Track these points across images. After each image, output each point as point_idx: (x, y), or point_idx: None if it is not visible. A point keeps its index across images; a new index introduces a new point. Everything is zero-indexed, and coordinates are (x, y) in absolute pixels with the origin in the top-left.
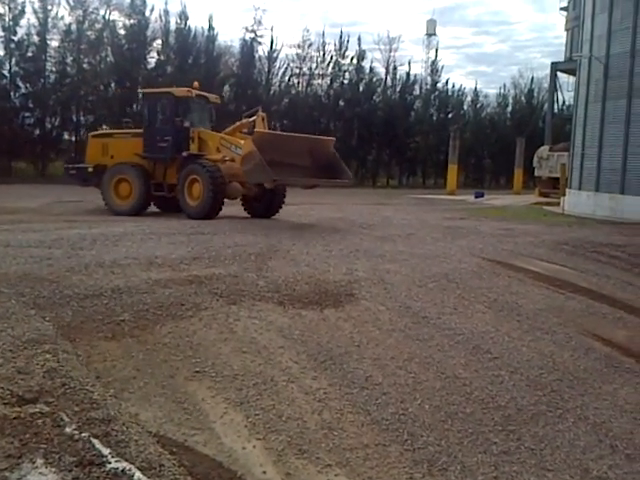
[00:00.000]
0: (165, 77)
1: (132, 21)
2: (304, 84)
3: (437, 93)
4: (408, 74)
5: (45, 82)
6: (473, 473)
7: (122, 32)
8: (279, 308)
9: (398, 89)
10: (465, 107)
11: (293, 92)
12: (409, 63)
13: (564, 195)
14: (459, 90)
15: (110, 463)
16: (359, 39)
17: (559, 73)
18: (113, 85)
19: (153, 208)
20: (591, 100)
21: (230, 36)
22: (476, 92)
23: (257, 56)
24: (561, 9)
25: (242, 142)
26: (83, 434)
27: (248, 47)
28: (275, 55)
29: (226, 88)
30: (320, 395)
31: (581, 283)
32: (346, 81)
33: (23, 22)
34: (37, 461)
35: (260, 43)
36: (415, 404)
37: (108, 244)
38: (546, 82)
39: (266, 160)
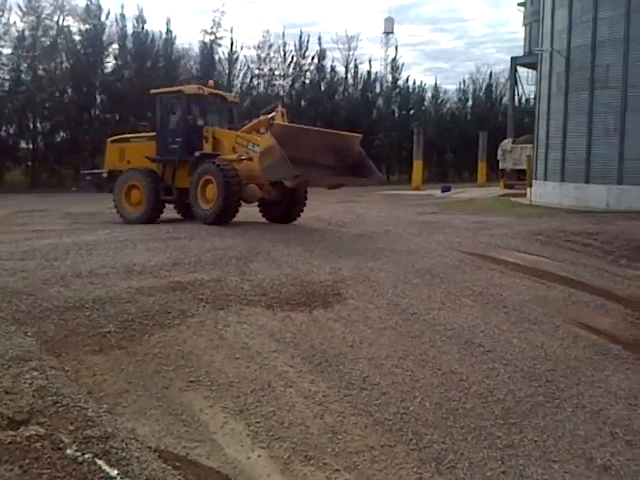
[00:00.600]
0: (123, 81)
1: (87, 26)
2: (265, 85)
3: (398, 90)
4: (369, 72)
5: None
6: (481, 469)
7: (77, 38)
8: (268, 311)
9: (360, 87)
10: (426, 103)
11: (255, 93)
12: (369, 61)
13: (531, 186)
14: (419, 87)
15: None
16: (319, 38)
17: (519, 67)
18: (70, 91)
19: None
20: (554, 93)
21: (188, 39)
22: (436, 88)
23: (217, 58)
24: (519, 4)
25: (259, 139)
26: (86, 455)
27: (208, 49)
28: (235, 57)
29: None
30: (320, 398)
31: (560, 272)
32: (307, 81)
33: None
34: None
35: (220, 45)
36: (415, 402)
37: (82, 253)
38: (503, 77)
39: (288, 156)
